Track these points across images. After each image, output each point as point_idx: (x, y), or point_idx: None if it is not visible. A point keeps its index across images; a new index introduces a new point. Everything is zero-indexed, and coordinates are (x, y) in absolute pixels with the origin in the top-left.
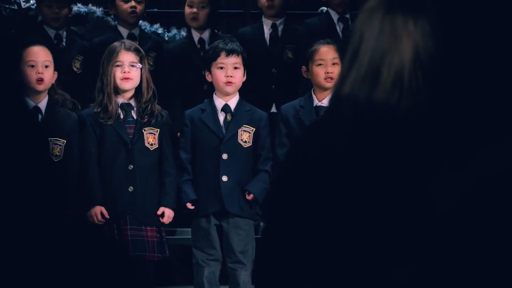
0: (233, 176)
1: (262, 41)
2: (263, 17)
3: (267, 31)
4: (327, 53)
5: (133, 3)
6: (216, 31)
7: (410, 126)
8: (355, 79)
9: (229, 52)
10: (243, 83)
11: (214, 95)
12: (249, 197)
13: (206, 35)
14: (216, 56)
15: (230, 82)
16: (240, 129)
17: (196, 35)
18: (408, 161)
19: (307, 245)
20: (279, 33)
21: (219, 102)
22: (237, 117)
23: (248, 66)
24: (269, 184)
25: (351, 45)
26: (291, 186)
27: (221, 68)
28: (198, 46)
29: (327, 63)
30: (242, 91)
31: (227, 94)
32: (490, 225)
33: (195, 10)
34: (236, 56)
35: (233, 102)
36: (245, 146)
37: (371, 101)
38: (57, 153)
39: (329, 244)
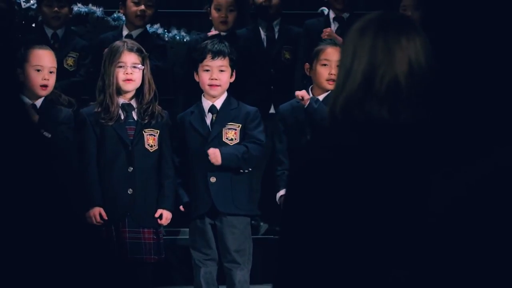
0: (221, 176)
1: (259, 42)
2: (258, 18)
3: (263, 32)
4: (332, 55)
5: (142, 7)
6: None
7: (405, 134)
8: (349, 92)
9: (215, 55)
10: (244, 83)
11: (202, 97)
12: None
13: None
14: (202, 58)
15: (215, 85)
16: (225, 128)
17: (215, 33)
18: (405, 168)
19: (315, 249)
20: (276, 34)
21: (206, 104)
22: (221, 116)
23: (236, 67)
24: (240, 153)
25: (343, 62)
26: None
27: (207, 70)
28: None
29: (331, 64)
30: (241, 92)
31: (212, 96)
32: (484, 227)
33: (223, 14)
34: (222, 59)
35: (219, 102)
36: (231, 144)
37: (365, 113)
38: None
39: (334, 247)
